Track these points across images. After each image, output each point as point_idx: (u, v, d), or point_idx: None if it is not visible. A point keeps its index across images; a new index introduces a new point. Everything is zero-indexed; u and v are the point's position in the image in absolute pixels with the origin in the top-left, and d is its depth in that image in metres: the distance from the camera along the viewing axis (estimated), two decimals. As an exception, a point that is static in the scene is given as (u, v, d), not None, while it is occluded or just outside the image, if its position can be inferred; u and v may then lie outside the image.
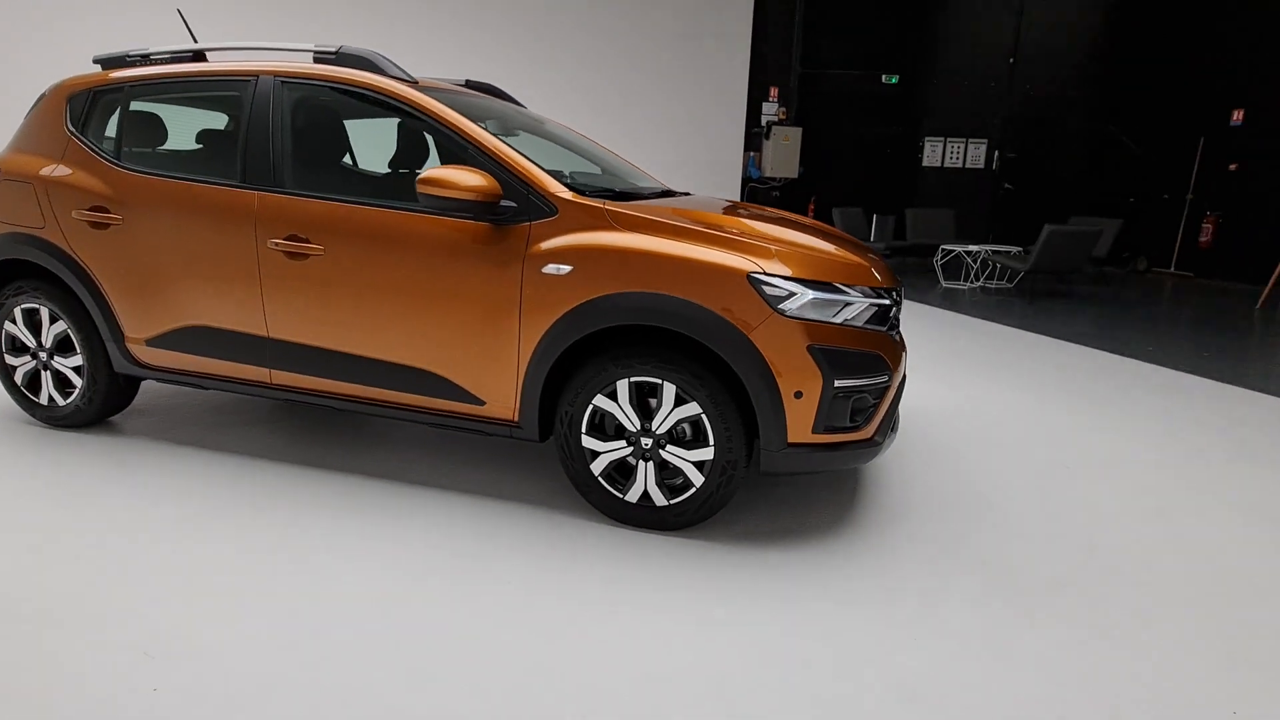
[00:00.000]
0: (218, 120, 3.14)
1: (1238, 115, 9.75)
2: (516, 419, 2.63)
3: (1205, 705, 1.81)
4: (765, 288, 2.33)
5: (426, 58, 8.51)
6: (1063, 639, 2.06)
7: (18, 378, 3.27)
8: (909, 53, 11.08)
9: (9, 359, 3.26)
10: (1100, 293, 8.89)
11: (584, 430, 2.55)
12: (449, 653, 1.91)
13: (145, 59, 3.14)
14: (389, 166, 3.27)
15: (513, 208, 2.52)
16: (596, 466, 2.57)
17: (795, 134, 10.64)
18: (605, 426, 2.55)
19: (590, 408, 2.52)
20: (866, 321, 2.48)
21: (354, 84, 2.76)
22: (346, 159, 3.26)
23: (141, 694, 1.72)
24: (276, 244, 2.73)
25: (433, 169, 2.43)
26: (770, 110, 10.78)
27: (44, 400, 3.26)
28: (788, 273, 2.36)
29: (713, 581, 2.29)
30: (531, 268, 2.48)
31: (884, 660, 1.95)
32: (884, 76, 11.09)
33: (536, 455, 3.23)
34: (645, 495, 2.55)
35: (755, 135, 10.81)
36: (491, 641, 1.96)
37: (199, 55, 3.11)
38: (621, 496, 2.57)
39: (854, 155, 11.37)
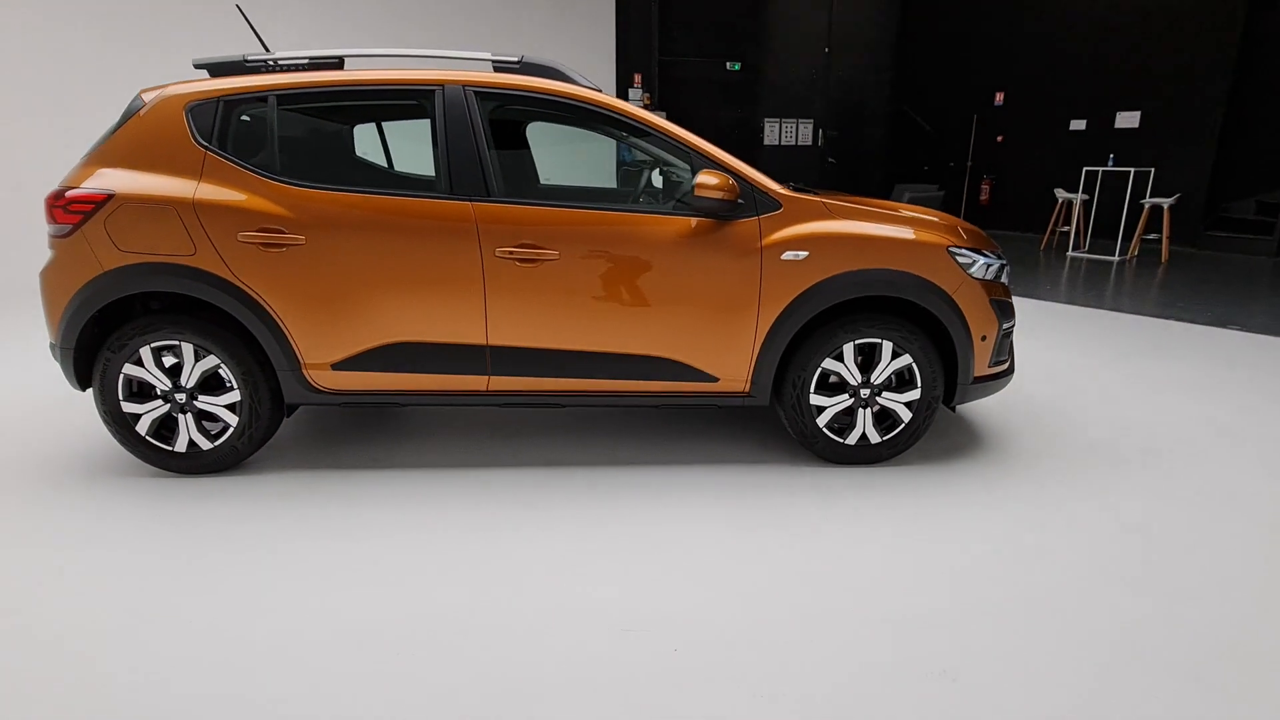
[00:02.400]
0: (391, 131, 3.02)
1: (1000, 97, 12.21)
2: (749, 389, 3.01)
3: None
4: (958, 257, 2.96)
5: (296, 45, 7.85)
6: (1184, 475, 3.00)
7: (142, 427, 2.90)
8: (746, 42, 12.22)
9: (129, 407, 2.88)
10: (929, 246, 10.76)
11: (812, 390, 3.01)
12: (815, 578, 2.34)
13: (269, 65, 2.92)
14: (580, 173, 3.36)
15: (741, 205, 2.88)
16: (822, 420, 3.05)
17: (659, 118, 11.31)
18: (826, 385, 3.03)
19: (819, 370, 2.99)
20: (998, 277, 3.21)
21: (573, 98, 2.88)
22: (548, 166, 3.30)
23: (669, 655, 1.95)
24: (507, 252, 2.79)
25: (702, 175, 2.73)
26: (635, 96, 11.33)
27: (181, 447, 2.93)
28: (965, 244, 3.02)
29: (949, 490, 2.92)
30: (771, 256, 2.86)
31: (1094, 506, 2.72)
32: (728, 64, 12.14)
33: (724, 422, 3.58)
34: (863, 436, 3.08)
35: (624, 120, 11.31)
36: (860, 564, 2.42)
37: (339, 63, 2.96)
38: (842, 441, 3.08)
39: (709, 136, 12.26)
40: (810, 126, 13.08)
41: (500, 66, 2.96)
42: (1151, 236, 9.56)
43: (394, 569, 2.35)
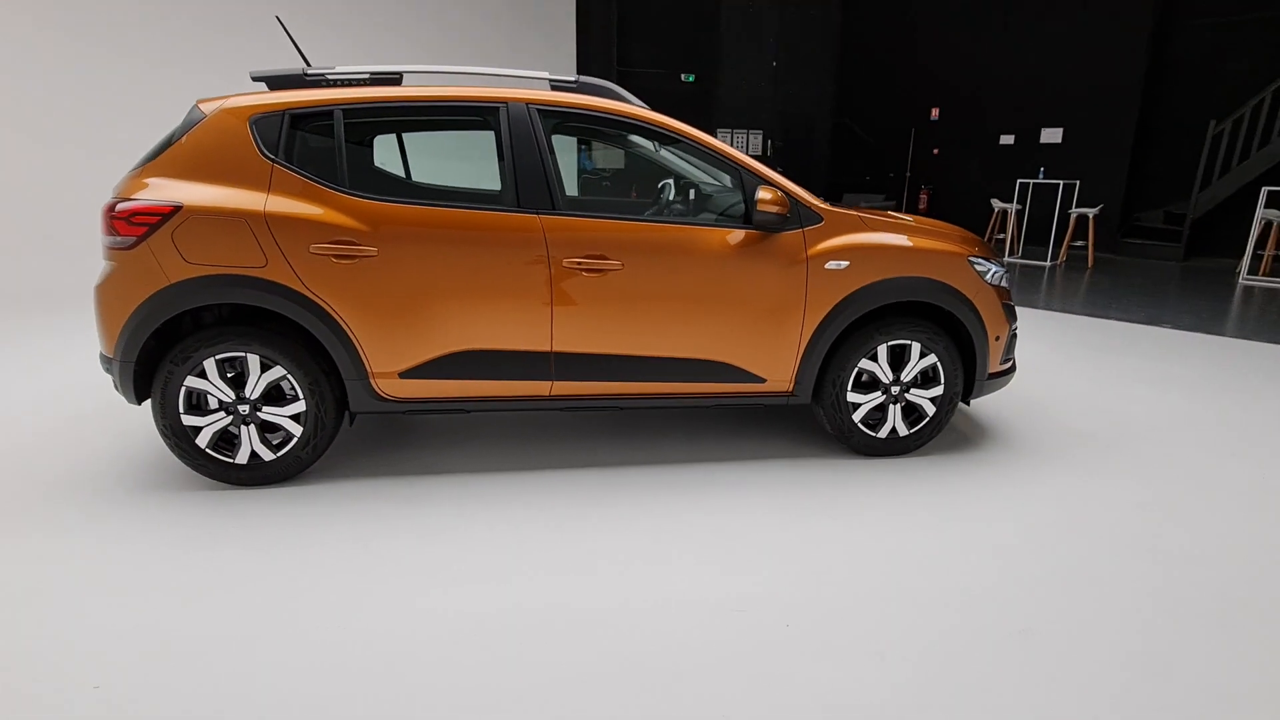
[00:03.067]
0: (453, 145, 3.10)
1: (935, 112, 13.00)
2: (792, 390, 3.24)
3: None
4: (976, 265, 3.29)
5: (263, 60, 7.68)
6: (1165, 457, 3.42)
7: (202, 439, 2.88)
8: (700, 56, 12.59)
9: (189, 420, 2.85)
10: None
11: (849, 388, 3.27)
12: (868, 552, 2.60)
13: (325, 79, 2.97)
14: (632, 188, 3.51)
15: (788, 218, 3.11)
16: (857, 416, 3.31)
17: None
18: (860, 383, 3.30)
19: (856, 370, 3.25)
20: (1002, 283, 3.56)
21: (635, 118, 3.05)
22: (608, 180, 3.43)
23: (783, 630, 2.14)
24: (575, 263, 2.93)
25: (761, 191, 2.94)
26: (595, 105, 11.51)
27: (243, 459, 2.93)
28: (980, 254, 3.34)
29: (970, 477, 3.23)
30: (815, 265, 3.11)
31: (1098, 487, 3.08)
32: (683, 76, 12.48)
33: (750, 420, 3.79)
34: (893, 430, 3.36)
35: (585, 129, 11.48)
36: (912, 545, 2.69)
37: (398, 78, 3.03)
38: (874, 434, 3.35)
39: (666, 146, 12.62)
40: (760, 137, 13.56)
41: (558, 85, 3.10)
42: (1078, 243, 10.41)
43: (492, 566, 2.45)
